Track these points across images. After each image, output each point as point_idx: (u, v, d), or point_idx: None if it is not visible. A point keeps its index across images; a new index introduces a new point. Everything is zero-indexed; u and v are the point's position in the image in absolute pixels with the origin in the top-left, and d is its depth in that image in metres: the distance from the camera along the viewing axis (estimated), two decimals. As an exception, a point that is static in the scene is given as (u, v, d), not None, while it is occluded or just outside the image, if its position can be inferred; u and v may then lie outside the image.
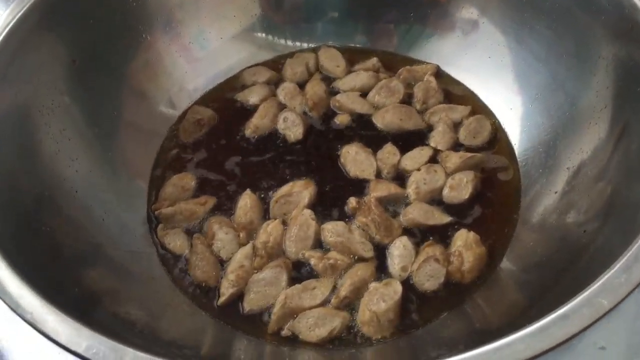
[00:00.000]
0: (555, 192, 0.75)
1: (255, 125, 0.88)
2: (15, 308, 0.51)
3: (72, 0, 0.78)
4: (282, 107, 0.91)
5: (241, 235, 0.77)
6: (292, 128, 0.88)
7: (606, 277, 0.49)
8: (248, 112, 0.91)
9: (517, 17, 0.85)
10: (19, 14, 0.72)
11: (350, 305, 0.70)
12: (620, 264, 0.50)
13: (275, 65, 0.97)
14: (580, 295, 0.48)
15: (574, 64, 0.78)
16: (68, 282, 0.62)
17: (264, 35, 0.99)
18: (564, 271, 0.63)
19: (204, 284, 0.74)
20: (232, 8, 0.95)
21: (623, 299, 0.47)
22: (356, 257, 0.74)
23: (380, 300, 0.68)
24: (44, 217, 0.67)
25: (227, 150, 0.87)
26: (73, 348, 0.48)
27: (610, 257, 0.52)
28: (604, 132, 0.72)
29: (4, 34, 0.71)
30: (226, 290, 0.72)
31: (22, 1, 0.74)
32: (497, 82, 0.89)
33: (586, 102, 0.76)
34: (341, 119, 0.89)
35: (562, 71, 0.80)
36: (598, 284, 0.49)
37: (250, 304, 0.71)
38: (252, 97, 0.92)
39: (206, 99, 0.94)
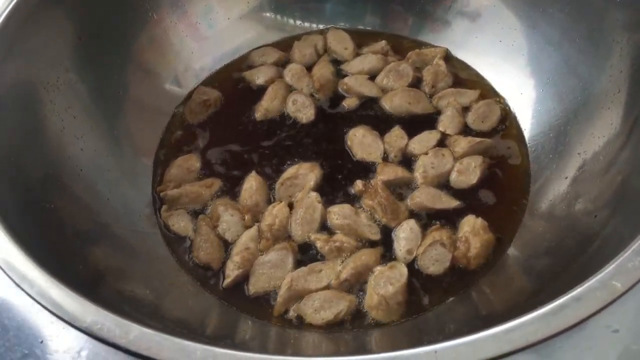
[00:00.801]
0: (566, 178, 0.74)
1: (265, 109, 0.88)
2: (21, 283, 0.51)
3: (78, -24, 0.77)
4: (289, 88, 0.91)
5: (246, 217, 0.76)
6: (302, 110, 0.87)
7: (620, 259, 0.49)
8: (254, 93, 0.90)
9: (530, 0, 0.84)
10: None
11: (350, 288, 0.70)
12: (634, 247, 0.49)
13: (284, 46, 0.97)
14: (593, 278, 0.47)
15: (588, 48, 0.77)
16: (73, 259, 0.62)
17: (272, 15, 0.98)
18: (572, 258, 0.63)
19: (207, 266, 0.73)
20: (240, -14, 0.95)
21: (637, 282, 0.47)
22: (363, 241, 0.73)
23: (388, 284, 0.68)
24: (49, 195, 0.66)
25: (232, 131, 0.87)
26: (77, 324, 0.48)
27: (620, 246, 0.51)
28: (617, 119, 0.71)
29: (8, 9, 0.70)
30: (231, 272, 0.71)
31: (27, -23, 0.73)
32: (508, 66, 0.88)
33: (599, 87, 0.75)
34: (349, 102, 0.88)
35: (575, 55, 0.79)
36: (612, 266, 0.48)
37: (255, 286, 0.71)
38: (258, 77, 0.92)
39: (213, 79, 0.93)
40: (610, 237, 0.60)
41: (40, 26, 0.73)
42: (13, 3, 0.70)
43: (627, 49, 0.71)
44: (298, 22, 0.99)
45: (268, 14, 0.98)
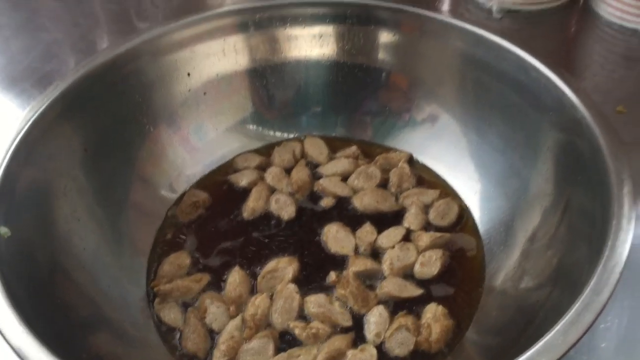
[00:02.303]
0: (513, 265, 0.82)
1: (252, 208, 0.95)
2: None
3: (87, 97, 0.87)
4: (271, 189, 0.99)
5: (231, 308, 0.82)
6: (284, 208, 0.95)
7: (546, 338, 0.55)
8: (238, 194, 0.98)
9: (476, 113, 0.95)
10: (40, 111, 0.81)
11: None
12: (558, 328, 0.56)
13: (265, 152, 1.06)
14: (523, 355, 0.54)
15: (527, 154, 0.87)
16: (78, 347, 0.67)
17: (254, 127, 1.08)
18: (520, 334, 0.69)
19: (194, 355, 0.77)
20: (228, 105, 1.04)
21: (559, 359, 0.53)
22: (337, 327, 0.79)
23: (360, 366, 0.73)
24: (57, 289, 0.72)
25: (219, 229, 0.93)
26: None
27: (557, 319, 0.57)
28: (551, 210, 0.79)
29: (26, 127, 0.78)
30: (217, 360, 0.76)
31: (42, 99, 0.83)
32: (462, 169, 0.97)
33: (537, 187, 0.84)
34: (327, 202, 0.97)
35: (516, 160, 0.89)
36: (539, 345, 0.55)
37: (240, 372, 0.76)
38: (242, 180, 1.00)
39: (202, 183, 1.01)
40: (551, 312, 0.65)
41: (51, 139, 0.81)
42: (30, 122, 0.79)
43: (557, 154, 0.82)
44: (278, 133, 1.09)
45: (251, 127, 1.08)
